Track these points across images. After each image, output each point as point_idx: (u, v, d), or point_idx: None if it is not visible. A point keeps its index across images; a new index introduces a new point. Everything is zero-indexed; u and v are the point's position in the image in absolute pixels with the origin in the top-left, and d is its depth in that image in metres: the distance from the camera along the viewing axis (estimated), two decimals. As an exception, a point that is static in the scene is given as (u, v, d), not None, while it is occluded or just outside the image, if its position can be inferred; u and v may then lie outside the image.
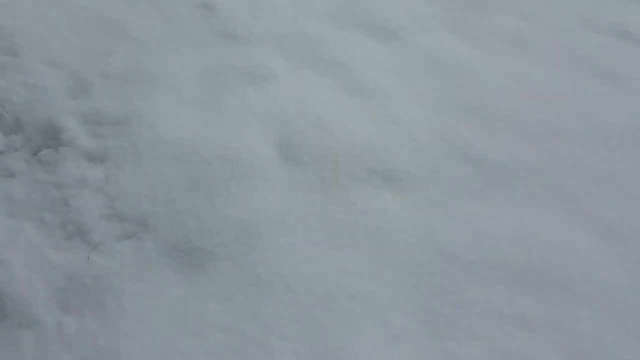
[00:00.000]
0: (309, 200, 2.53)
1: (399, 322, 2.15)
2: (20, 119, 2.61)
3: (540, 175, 2.67)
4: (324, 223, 2.46)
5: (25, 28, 3.01)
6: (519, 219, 2.48)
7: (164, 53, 3.07)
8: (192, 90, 2.90)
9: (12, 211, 2.32)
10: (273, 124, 2.80)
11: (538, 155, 2.77)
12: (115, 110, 2.71)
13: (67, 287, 2.12)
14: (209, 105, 2.84)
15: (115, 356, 1.96)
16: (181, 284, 2.20)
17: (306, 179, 2.60)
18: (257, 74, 3.04)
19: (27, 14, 3.07)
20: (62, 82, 2.78)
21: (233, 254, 2.30)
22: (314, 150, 2.70)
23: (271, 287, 2.22)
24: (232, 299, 2.17)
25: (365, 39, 3.35)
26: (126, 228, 2.33)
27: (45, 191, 2.39)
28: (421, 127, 2.89)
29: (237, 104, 2.87)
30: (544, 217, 2.48)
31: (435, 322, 2.13)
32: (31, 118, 2.61)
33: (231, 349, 2.03)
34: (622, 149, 2.79)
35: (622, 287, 2.21)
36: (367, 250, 2.39)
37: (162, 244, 2.30)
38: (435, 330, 2.11)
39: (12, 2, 3.10)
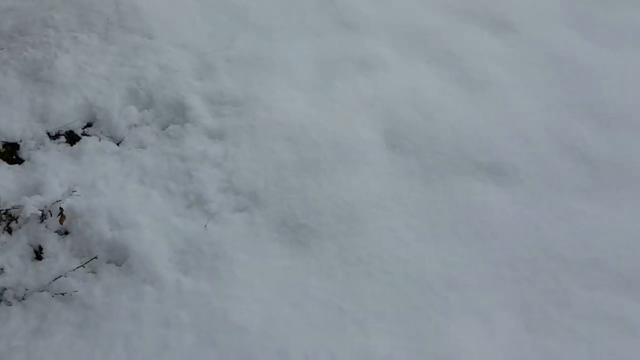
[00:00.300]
0: (411, 188, 2.58)
1: (497, 315, 2.16)
2: (153, 96, 2.87)
3: (659, 179, 2.54)
4: (424, 211, 2.50)
5: (161, 12, 3.28)
6: (632, 222, 2.38)
7: (283, 40, 3.22)
8: (306, 76, 3.03)
9: (142, 179, 2.57)
10: (380, 111, 2.87)
11: (658, 159, 2.63)
12: (235, 92, 2.90)
13: (186, 250, 2.33)
14: (321, 91, 2.96)
15: (225, 317, 2.14)
16: (286, 258, 2.35)
17: (409, 167, 2.65)
18: (369, 63, 3.11)
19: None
20: (190, 64, 3.02)
21: (336, 234, 2.41)
22: (419, 138, 2.74)
23: (370, 269, 2.31)
24: (333, 276, 2.28)
25: (480, 31, 3.31)
26: (240, 201, 2.50)
27: (171, 162, 2.63)
28: (532, 122, 2.83)
29: (347, 90, 2.96)
30: (660, 223, 2.37)
31: (534, 319, 2.12)
32: (162, 96, 2.87)
33: (330, 323, 2.14)
34: None
35: None
36: (467, 241, 2.41)
37: (271, 219, 2.45)
38: (535, 327, 2.10)
39: (149, -11, 3.39)
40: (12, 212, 2.38)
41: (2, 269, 2.24)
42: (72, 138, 2.73)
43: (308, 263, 2.33)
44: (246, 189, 2.54)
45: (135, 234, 2.36)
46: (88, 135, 2.74)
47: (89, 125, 2.80)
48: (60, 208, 2.41)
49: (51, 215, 2.39)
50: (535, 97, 2.96)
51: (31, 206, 2.36)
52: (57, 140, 2.69)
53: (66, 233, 2.40)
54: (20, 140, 2.66)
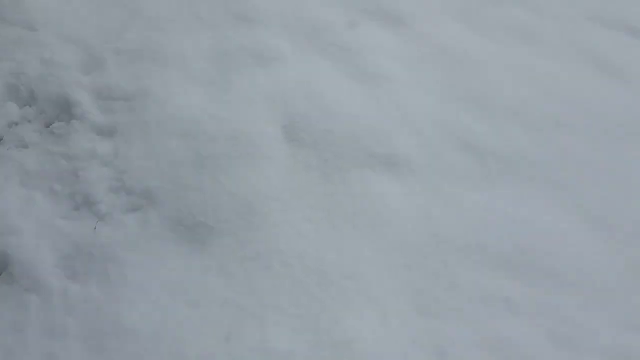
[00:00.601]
0: (310, 181, 2.60)
1: (391, 302, 2.22)
2: (35, 92, 2.70)
3: (538, 166, 2.72)
4: (323, 204, 2.53)
5: (43, 3, 3.09)
6: (514, 207, 2.53)
7: (176, 32, 3.13)
8: (202, 70, 2.97)
9: (24, 181, 2.41)
10: (279, 105, 2.87)
11: (537, 147, 2.82)
12: (126, 86, 2.79)
13: (74, 255, 2.22)
14: (217, 85, 2.91)
15: (117, 323, 2.05)
16: (183, 257, 2.29)
17: (308, 160, 2.67)
18: (266, 56, 3.10)
19: (44, -10, 3.15)
20: (76, 58, 2.87)
21: (234, 230, 2.38)
22: (317, 132, 2.77)
23: (269, 263, 2.31)
24: (232, 273, 2.26)
25: (373, 25, 3.39)
26: (133, 201, 2.41)
27: (56, 163, 2.49)
28: (424, 114, 2.94)
29: (245, 84, 2.94)
30: (538, 206, 2.54)
31: (425, 303, 2.21)
32: (45, 91, 2.70)
33: (228, 321, 2.12)
34: (619, 144, 2.83)
35: (607, 275, 2.28)
36: (364, 231, 2.46)
37: (167, 218, 2.38)
38: (425, 311, 2.18)
39: (30, -22, 3.18)
40: None
41: None
42: (-58, 139, 2.51)
43: (206, 261, 2.29)
44: (139, 188, 2.45)
45: (17, 240, 2.21)
46: (-39, 136, 2.54)
47: (-39, 124, 2.59)
48: None
49: None
50: (427, 90, 3.07)
51: None
52: None
53: (-64, 242, 2.21)
54: None
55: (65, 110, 2.67)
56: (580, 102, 3.12)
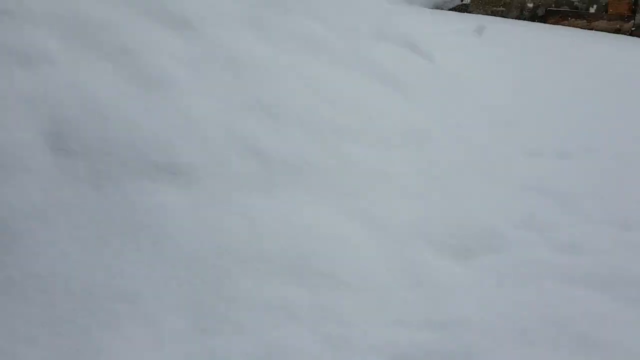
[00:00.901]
0: (79, 195, 2.33)
1: (168, 321, 2.06)
2: None
3: (321, 172, 2.77)
4: (94, 219, 2.28)
5: None
6: (297, 214, 2.54)
7: None
8: (-57, 68, 2.52)
9: None
10: (43, 110, 2.53)
11: (322, 154, 2.88)
12: None
13: None
14: (-37, 86, 2.49)
15: None
16: None
17: (77, 171, 2.39)
18: (29, 55, 2.72)
19: None
20: None
21: (-20, 255, 2.03)
22: (88, 140, 2.50)
23: (24, 290, 2.00)
24: (-27, 306, 1.91)
25: (157, 27, 3.19)
26: None
27: None
28: (210, 121, 2.83)
29: (1, 86, 2.55)
30: (321, 212, 2.58)
31: (205, 319, 2.08)
32: None
33: (-35, 363, 1.78)
34: (395, 150, 3.03)
35: (383, 275, 2.38)
36: (142, 247, 2.26)
37: None
38: (204, 327, 2.06)
39: None
40: None
41: None
42: None
43: (-62, 297, 1.91)
44: None
45: None
46: None
47: None
48: None
49: None
50: (213, 97, 2.97)
51: None
52: None
53: None
54: None
55: None
56: (362, 111, 3.28)
